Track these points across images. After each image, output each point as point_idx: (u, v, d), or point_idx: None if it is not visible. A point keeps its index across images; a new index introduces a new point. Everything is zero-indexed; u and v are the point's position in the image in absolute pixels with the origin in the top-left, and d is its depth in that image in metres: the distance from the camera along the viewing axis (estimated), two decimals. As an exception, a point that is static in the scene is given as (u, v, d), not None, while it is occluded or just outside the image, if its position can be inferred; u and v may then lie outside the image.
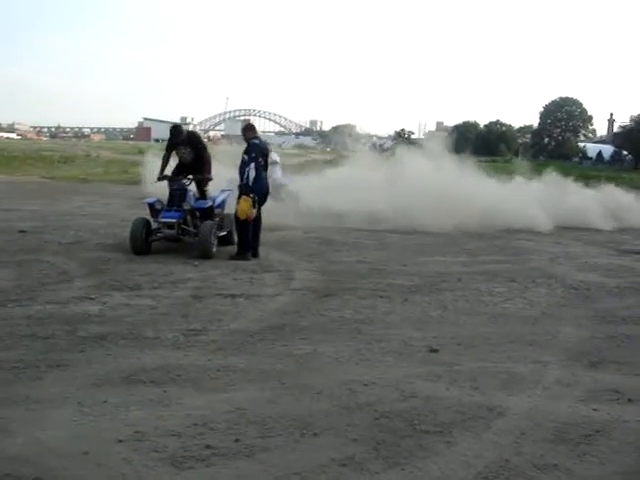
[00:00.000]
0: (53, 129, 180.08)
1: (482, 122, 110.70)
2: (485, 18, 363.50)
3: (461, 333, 7.29)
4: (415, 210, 16.05)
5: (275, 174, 17.42)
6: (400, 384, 5.61)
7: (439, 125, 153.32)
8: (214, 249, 11.20)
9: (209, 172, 11.98)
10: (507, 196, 18.07)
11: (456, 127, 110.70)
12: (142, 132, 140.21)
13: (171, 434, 4.49)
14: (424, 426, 4.78)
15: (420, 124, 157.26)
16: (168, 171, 11.98)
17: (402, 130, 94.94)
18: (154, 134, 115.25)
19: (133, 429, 4.54)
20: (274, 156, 17.37)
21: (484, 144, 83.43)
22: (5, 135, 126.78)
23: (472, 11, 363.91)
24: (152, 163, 19.89)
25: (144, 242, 11.15)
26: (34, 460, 4.10)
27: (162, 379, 5.52)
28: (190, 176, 11.74)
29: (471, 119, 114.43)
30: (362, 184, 18.31)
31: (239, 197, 11.19)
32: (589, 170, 53.76)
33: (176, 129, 12.17)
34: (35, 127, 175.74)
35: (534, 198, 18.19)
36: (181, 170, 11.88)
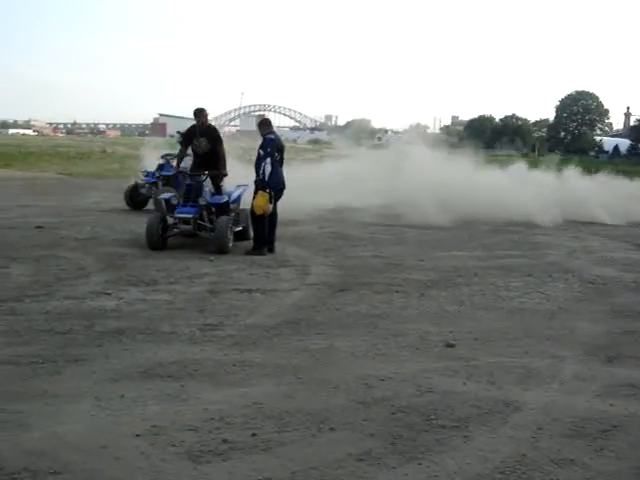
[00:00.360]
0: (69, 125, 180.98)
1: (498, 116, 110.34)
2: (501, 11, 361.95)
3: (478, 328, 7.27)
4: (417, 203, 16.13)
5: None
6: (417, 379, 5.61)
7: (454, 119, 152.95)
8: (230, 244, 11.22)
9: (224, 167, 11.99)
10: (509, 188, 17.97)
11: (471, 121, 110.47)
12: (157, 128, 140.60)
13: (188, 428, 4.51)
14: (441, 421, 4.78)
15: (435, 118, 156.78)
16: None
17: (417, 124, 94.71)
18: (169, 130, 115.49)
19: (150, 423, 4.56)
20: None
21: (500, 138, 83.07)
22: (22, 131, 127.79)
23: (488, 4, 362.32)
24: (148, 157, 19.96)
25: (160, 238, 11.19)
26: (52, 454, 4.13)
27: (179, 374, 5.54)
28: (206, 172, 11.73)
29: (487, 113, 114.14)
30: (358, 178, 18.50)
31: (255, 192, 11.20)
32: (605, 164, 53.45)
33: (201, 112, 12.10)
34: (51, 123, 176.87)
35: (538, 190, 18.06)
36: (197, 166, 11.88)
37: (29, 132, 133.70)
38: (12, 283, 8.57)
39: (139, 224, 12.74)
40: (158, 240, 11.15)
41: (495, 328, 7.30)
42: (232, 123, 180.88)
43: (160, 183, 16.42)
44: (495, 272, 10.37)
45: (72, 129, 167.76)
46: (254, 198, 11.20)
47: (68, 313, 7.24)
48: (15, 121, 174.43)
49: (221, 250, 10.93)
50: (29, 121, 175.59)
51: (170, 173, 16.00)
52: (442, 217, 15.54)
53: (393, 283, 9.29)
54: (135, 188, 17.13)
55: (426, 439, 4.50)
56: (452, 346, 6.54)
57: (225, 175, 12.00)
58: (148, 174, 17.24)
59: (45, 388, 5.16)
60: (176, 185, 15.60)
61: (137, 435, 4.40)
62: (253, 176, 11.33)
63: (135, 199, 17.02)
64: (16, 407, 4.77)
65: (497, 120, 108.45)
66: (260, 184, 11.11)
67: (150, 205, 16.23)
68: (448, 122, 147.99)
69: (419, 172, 18.01)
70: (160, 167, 17.08)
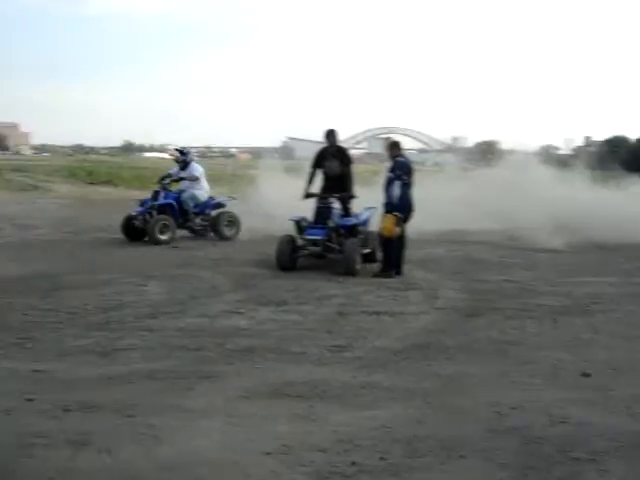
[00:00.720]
0: (203, 149, 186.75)
1: (633, 136, 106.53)
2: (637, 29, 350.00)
3: (615, 357, 6.98)
4: (542, 226, 15.89)
5: (192, 189, 15.65)
6: (550, 408, 5.42)
7: (587, 140, 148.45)
8: (358, 266, 11.25)
9: (352, 189, 12.03)
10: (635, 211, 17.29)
11: (606, 142, 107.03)
12: (286, 151, 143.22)
13: (317, 449, 4.52)
14: (576, 453, 4.59)
15: (566, 139, 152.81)
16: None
17: (548, 146, 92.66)
18: (298, 153, 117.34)
19: (280, 442, 4.59)
20: (195, 169, 15.78)
21: (635, 159, 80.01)
22: (159, 155, 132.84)
23: (624, 20, 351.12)
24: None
25: (290, 259, 11.37)
26: (185, 468, 4.22)
27: (308, 394, 5.58)
28: (335, 194, 11.81)
29: (621, 133, 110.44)
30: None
31: (384, 215, 11.20)
32: None
33: (332, 133, 12.19)
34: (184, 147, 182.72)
35: None
36: (327, 188, 11.98)
37: (165, 156, 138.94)
38: (149, 300, 8.90)
39: (269, 245, 12.97)
40: (288, 261, 11.33)
41: (634, 358, 6.99)
42: (358, 146, 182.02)
43: (155, 212, 14.95)
44: (633, 299, 9.93)
45: (205, 152, 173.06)
46: (382, 221, 11.20)
47: (201, 330, 7.43)
48: (151, 145, 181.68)
49: (349, 272, 10.98)
50: (164, 145, 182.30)
51: (166, 201, 15.14)
52: (570, 240, 15.16)
53: (524, 309, 9.05)
54: (129, 220, 15.04)
55: (560, 471, 4.34)
56: (588, 375, 6.30)
57: (353, 197, 12.05)
58: (143, 203, 15.27)
59: (178, 403, 5.30)
60: (172, 213, 15.11)
61: (267, 453, 4.44)
62: (382, 198, 11.36)
63: (131, 231, 14.99)
64: (151, 421, 4.91)
65: (634, 140, 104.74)
66: (389, 207, 11.11)
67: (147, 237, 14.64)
68: (580, 143, 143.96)
69: (543, 194, 17.67)
70: (155, 195, 15.36)
